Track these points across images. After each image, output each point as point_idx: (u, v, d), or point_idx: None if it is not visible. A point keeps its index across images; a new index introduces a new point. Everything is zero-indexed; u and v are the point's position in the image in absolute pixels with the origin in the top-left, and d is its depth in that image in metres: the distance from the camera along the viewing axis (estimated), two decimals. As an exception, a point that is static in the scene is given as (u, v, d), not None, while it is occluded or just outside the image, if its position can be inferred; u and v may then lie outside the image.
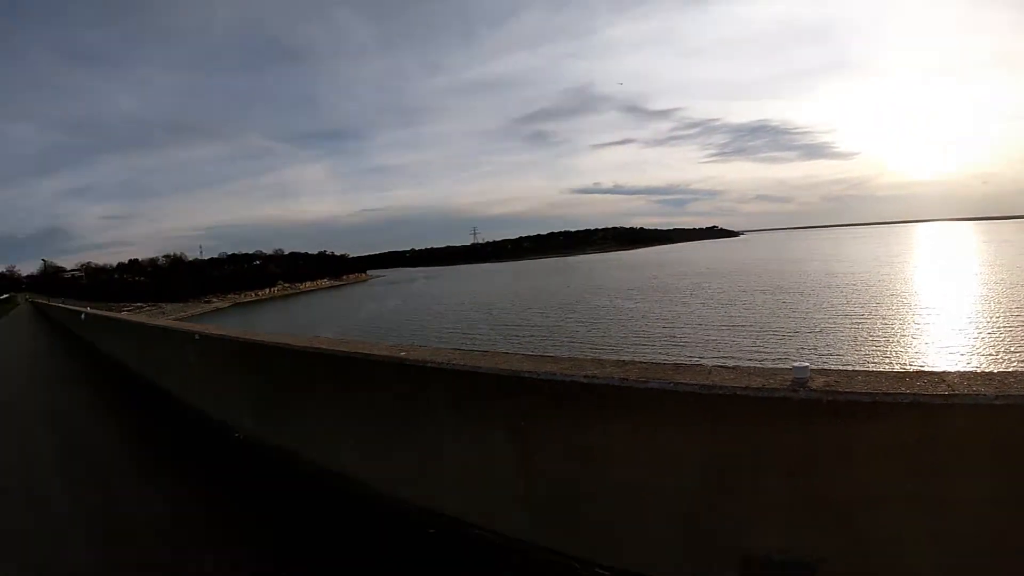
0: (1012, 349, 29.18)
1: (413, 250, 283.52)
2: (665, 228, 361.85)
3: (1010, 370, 2.74)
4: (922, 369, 3.01)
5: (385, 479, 4.55)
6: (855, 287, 56.55)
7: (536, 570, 3.41)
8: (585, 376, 3.12)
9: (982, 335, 31.79)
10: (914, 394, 2.43)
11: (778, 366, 3.05)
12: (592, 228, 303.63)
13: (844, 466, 2.64)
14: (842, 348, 30.11)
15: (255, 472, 5.64)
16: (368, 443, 4.74)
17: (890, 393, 2.48)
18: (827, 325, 36.55)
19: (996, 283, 54.97)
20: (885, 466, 2.55)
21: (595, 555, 3.37)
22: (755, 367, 3.06)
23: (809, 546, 2.81)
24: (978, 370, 2.91)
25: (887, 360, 27.99)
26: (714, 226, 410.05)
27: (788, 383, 2.68)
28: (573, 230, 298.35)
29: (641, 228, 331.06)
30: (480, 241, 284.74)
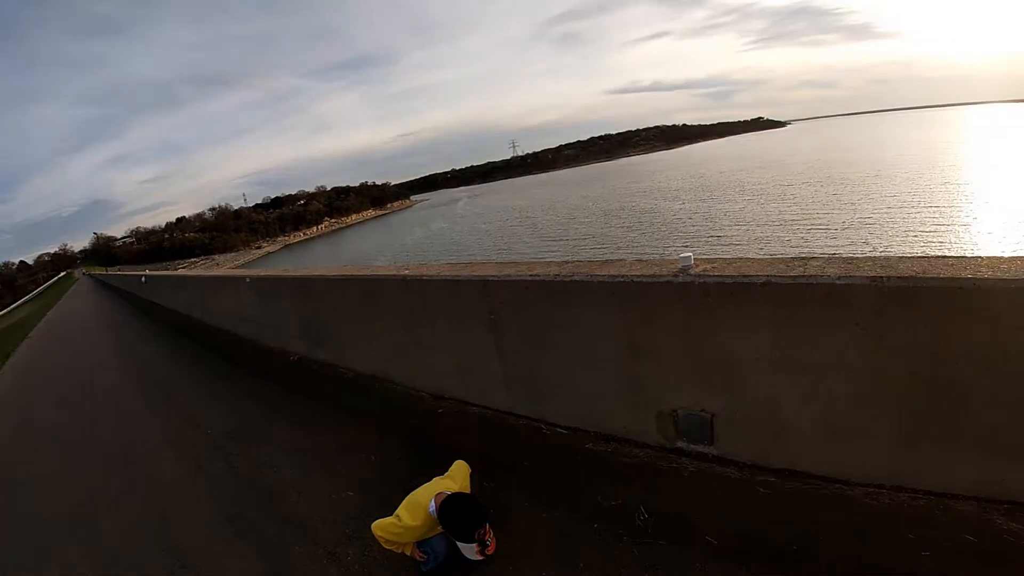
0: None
1: (454, 170, 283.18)
2: (709, 123, 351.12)
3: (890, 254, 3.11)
4: (809, 255, 3.57)
5: (405, 375, 5.74)
6: (906, 176, 55.23)
7: (517, 433, 4.42)
8: (531, 275, 3.98)
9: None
10: (767, 276, 3.06)
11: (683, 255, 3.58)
12: (634, 129, 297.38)
13: (720, 337, 3.31)
14: (890, 240, 29.95)
15: (309, 378, 7.17)
16: (389, 348, 5.84)
17: (748, 275, 3.12)
18: (877, 216, 36.10)
19: None
20: (753, 337, 3.20)
21: (555, 417, 4.38)
22: (660, 259, 3.77)
23: (704, 403, 3.58)
24: (862, 255, 3.40)
25: (929, 247, 27.79)
26: (759, 117, 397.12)
27: (676, 270, 3.40)
28: (614, 133, 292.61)
29: (684, 125, 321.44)
30: (519, 154, 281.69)
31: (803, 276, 3.00)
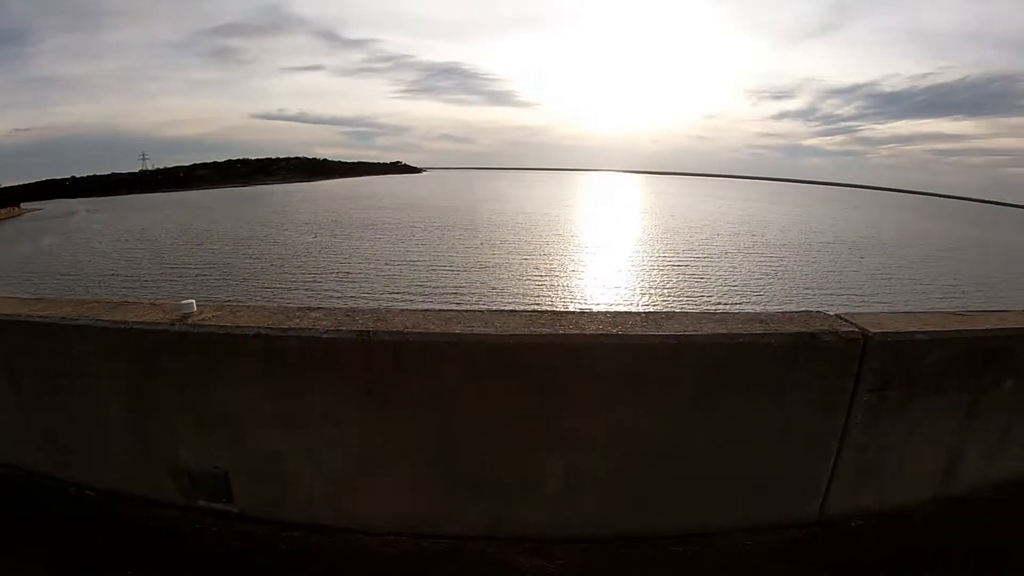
0: (629, 285, 34.53)
1: (74, 178, 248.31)
2: (350, 160, 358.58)
3: (467, 309, 3.17)
4: (316, 306, 3.62)
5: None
6: (523, 226, 62.11)
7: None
8: (41, 316, 3.63)
9: (621, 272, 37.36)
10: (259, 328, 3.08)
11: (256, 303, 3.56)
12: (274, 157, 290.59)
13: (220, 390, 3.25)
14: (504, 283, 32.90)
15: None
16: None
17: (242, 326, 3.12)
18: (497, 262, 39.47)
19: (649, 228, 64.81)
20: (251, 390, 3.20)
21: (83, 477, 3.98)
22: (171, 303, 3.57)
23: (217, 459, 3.45)
24: (362, 308, 3.30)
25: (532, 295, 31.10)
26: (398, 161, 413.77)
27: (176, 318, 3.26)
28: (254, 158, 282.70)
29: (325, 160, 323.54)
30: (150, 168, 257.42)
31: (293, 329, 3.04)
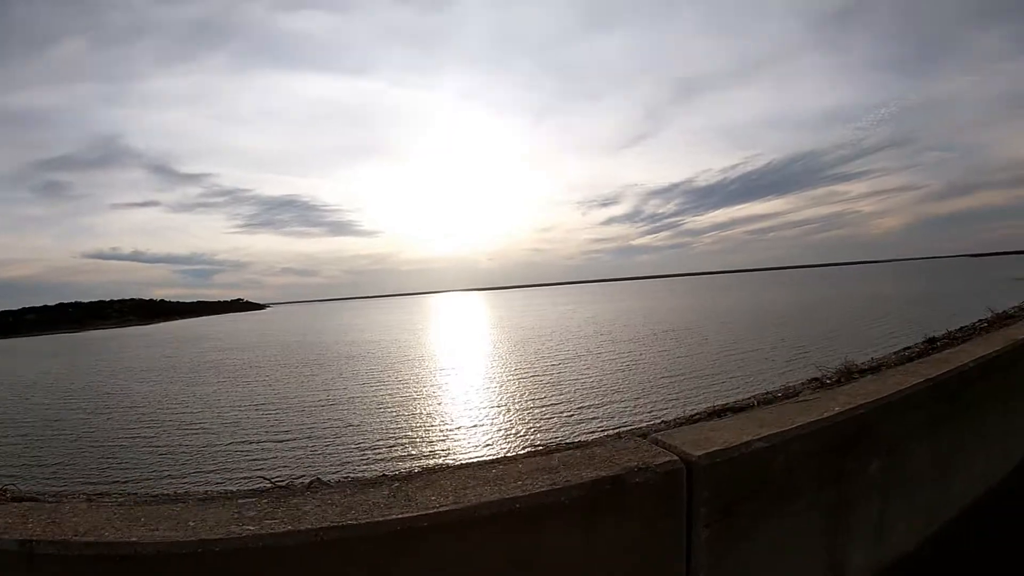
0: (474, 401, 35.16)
1: None
2: (189, 300, 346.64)
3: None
4: None
5: None
6: (373, 355, 61.86)
7: None
8: None
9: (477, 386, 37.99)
10: None
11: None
12: (108, 299, 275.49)
13: None
14: (359, 416, 32.37)
15: None
16: None
17: None
18: (350, 395, 38.83)
19: (493, 341, 66.67)
20: None
21: None
22: None
23: None
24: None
25: (390, 426, 30.82)
26: (240, 299, 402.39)
27: None
28: (86, 301, 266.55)
29: (163, 300, 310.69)
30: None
31: None
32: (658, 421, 3.54)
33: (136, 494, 2.55)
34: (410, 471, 2.57)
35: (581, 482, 2.19)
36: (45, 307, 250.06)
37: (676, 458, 2.36)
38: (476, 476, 2.33)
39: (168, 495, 2.45)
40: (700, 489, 2.36)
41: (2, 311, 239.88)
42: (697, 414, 3.28)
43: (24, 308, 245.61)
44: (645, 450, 2.45)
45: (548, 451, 2.63)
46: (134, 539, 1.91)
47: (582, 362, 44.86)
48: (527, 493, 2.13)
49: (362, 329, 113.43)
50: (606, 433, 3.42)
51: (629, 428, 3.28)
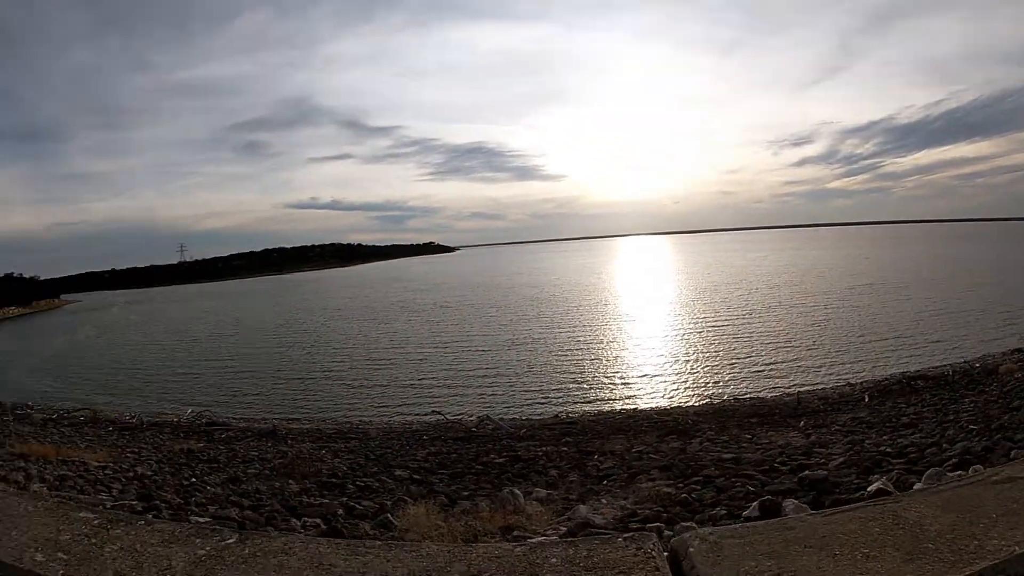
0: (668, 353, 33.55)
1: (113, 270, 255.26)
2: (383, 244, 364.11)
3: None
4: None
5: None
6: (556, 298, 61.88)
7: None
8: None
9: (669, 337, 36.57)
10: None
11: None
12: (309, 244, 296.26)
13: None
14: (541, 358, 32.10)
15: None
16: None
17: None
18: (533, 337, 38.73)
19: (677, 287, 64.38)
20: None
21: None
22: None
23: None
24: None
25: (571, 370, 30.17)
26: (431, 242, 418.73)
27: None
28: (289, 247, 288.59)
29: (359, 244, 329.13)
30: (188, 259, 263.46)
31: None
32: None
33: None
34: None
35: None
36: (251, 253, 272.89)
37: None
38: None
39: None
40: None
41: (212, 258, 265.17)
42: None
43: (232, 255, 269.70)
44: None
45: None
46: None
47: (771, 315, 41.64)
48: None
49: (546, 271, 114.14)
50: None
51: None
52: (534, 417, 20.42)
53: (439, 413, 21.09)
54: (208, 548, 2.09)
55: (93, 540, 2.18)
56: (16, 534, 2.21)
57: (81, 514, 2.39)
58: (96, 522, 2.33)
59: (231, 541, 2.15)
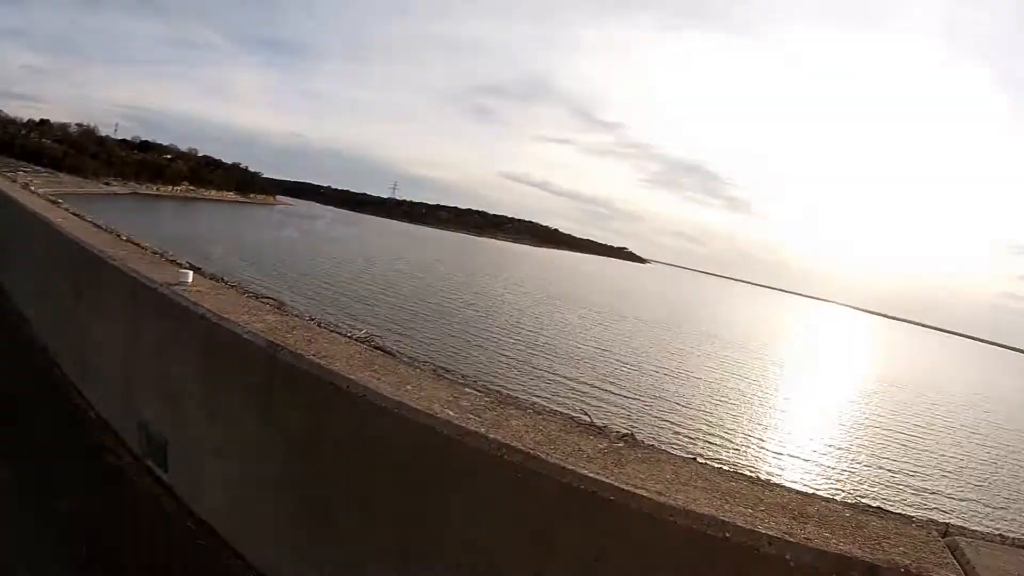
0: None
1: (330, 188, 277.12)
2: (579, 236, 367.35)
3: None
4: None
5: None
6: (746, 346, 57.86)
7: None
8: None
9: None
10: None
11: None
12: (509, 216, 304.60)
13: (170, 356, 3.58)
14: (701, 402, 30.43)
15: None
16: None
17: (202, 308, 3.29)
18: (705, 376, 37.01)
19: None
20: (187, 367, 3.41)
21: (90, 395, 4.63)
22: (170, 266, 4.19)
23: (163, 425, 3.47)
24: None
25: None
26: (625, 247, 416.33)
27: (173, 281, 3.59)
28: (490, 212, 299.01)
29: (556, 230, 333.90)
30: (398, 197, 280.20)
31: (227, 321, 2.97)
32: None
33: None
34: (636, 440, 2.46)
35: (822, 550, 1.67)
36: (456, 208, 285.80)
37: (966, 581, 1.73)
38: (706, 479, 2.07)
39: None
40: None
41: (420, 202, 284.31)
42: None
43: (438, 204, 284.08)
44: (931, 551, 1.79)
45: (808, 494, 2.14)
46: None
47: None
48: (747, 527, 1.77)
49: (743, 318, 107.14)
50: (899, 510, 2.33)
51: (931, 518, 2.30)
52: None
53: (586, 414, 20.56)
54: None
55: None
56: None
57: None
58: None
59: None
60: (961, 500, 23.47)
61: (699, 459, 2.30)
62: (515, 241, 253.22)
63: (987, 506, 23.32)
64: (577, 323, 48.29)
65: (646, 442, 2.43)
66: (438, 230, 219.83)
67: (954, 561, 1.79)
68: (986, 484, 26.33)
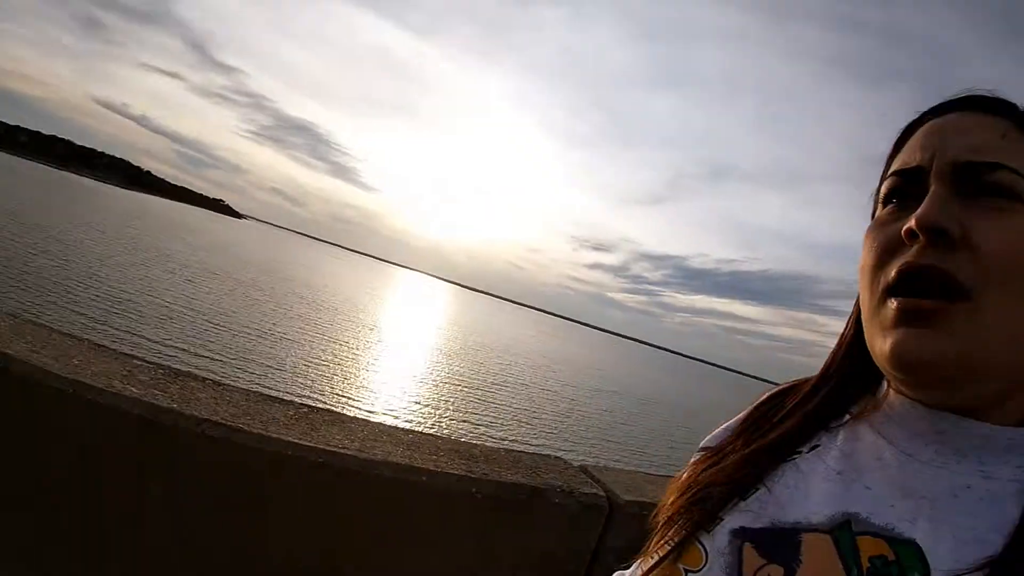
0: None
1: None
2: (176, 183, 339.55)
3: None
4: None
5: None
6: (329, 306, 60.20)
7: None
8: None
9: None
10: None
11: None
12: (99, 150, 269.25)
13: None
14: (283, 361, 31.31)
15: None
16: None
17: None
18: (286, 334, 37.76)
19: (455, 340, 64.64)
20: None
21: None
22: None
23: None
24: None
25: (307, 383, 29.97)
26: (222, 200, 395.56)
27: None
28: (78, 143, 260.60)
29: (150, 173, 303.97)
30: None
31: None
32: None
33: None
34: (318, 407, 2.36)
35: (499, 481, 2.01)
36: (39, 133, 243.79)
37: (603, 494, 2.17)
38: (390, 435, 2.16)
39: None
40: (616, 535, 2.14)
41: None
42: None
43: (18, 126, 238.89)
44: (572, 475, 2.27)
45: (470, 443, 2.39)
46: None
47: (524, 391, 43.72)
48: (439, 470, 1.96)
49: (328, 276, 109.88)
50: (537, 451, 3.19)
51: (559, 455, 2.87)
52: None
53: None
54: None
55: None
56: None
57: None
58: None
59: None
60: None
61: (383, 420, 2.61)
62: (102, 181, 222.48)
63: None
64: (166, 278, 45.91)
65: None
66: (13, 157, 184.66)
67: (590, 480, 2.26)
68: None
